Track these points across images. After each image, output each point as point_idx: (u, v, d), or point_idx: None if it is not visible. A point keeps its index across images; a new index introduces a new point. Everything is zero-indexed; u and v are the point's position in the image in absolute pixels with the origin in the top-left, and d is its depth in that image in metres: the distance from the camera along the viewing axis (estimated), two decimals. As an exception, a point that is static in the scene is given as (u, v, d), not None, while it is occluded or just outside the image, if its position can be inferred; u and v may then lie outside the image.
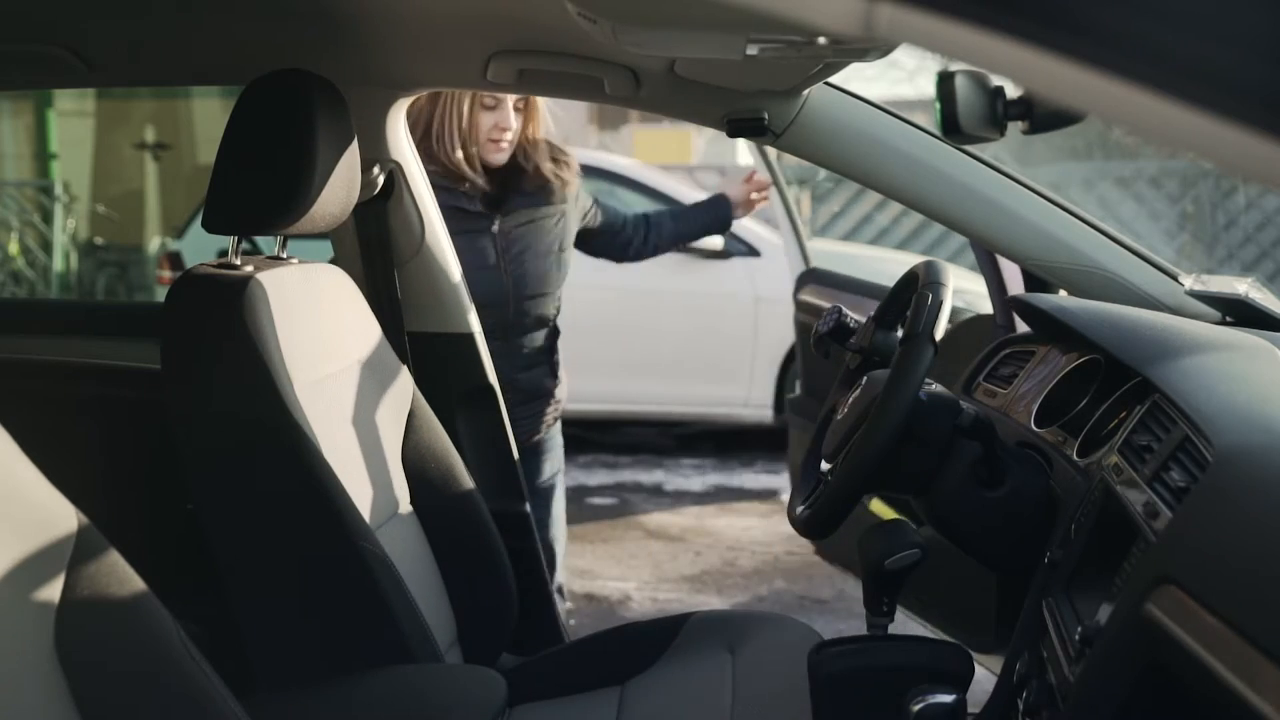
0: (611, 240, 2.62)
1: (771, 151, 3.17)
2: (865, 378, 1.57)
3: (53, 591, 0.91)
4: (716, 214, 2.73)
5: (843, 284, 3.06)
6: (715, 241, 5.67)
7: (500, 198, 2.37)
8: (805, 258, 3.39)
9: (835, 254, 5.21)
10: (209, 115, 9.61)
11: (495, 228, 2.35)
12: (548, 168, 2.38)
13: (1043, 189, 1.88)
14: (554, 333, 2.48)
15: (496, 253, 2.34)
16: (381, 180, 2.02)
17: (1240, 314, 1.71)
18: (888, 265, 5.51)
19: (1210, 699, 0.84)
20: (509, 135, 2.33)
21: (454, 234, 2.14)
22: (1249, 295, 1.68)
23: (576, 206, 2.47)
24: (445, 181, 2.29)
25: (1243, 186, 8.30)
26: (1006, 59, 0.54)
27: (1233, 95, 0.50)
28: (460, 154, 2.30)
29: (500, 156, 2.34)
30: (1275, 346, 1.39)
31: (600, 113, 11.42)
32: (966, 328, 2.23)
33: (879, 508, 2.13)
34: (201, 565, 1.59)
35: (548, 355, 2.47)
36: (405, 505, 1.80)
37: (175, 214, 8.90)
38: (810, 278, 3.24)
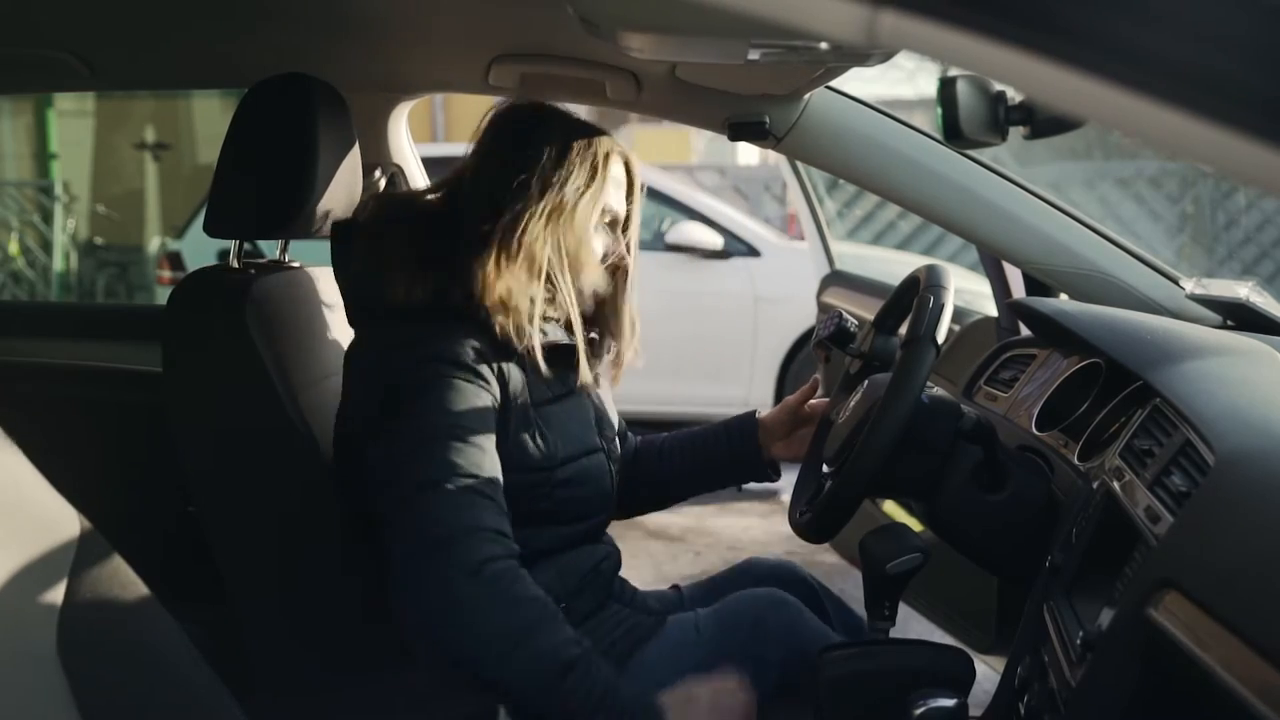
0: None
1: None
2: (866, 381, 1.56)
3: (55, 595, 0.91)
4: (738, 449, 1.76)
5: (865, 286, 3.04)
6: (715, 241, 5.67)
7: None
8: (830, 260, 3.37)
9: (859, 256, 5.13)
10: (209, 115, 9.62)
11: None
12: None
13: (1043, 192, 1.88)
14: None
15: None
16: (383, 183, 2.02)
17: (1241, 318, 1.71)
18: (908, 269, 5.47)
19: (1212, 703, 0.84)
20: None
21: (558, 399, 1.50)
22: (1249, 299, 1.68)
23: None
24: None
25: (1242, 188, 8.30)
26: (1008, 66, 0.54)
27: (1231, 102, 0.50)
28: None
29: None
30: (1276, 350, 1.39)
31: (600, 112, 11.39)
32: (971, 330, 2.23)
33: (892, 510, 2.13)
34: (201, 566, 1.59)
35: None
36: (406, 507, 1.80)
37: (175, 214, 8.90)
38: (834, 280, 3.22)
